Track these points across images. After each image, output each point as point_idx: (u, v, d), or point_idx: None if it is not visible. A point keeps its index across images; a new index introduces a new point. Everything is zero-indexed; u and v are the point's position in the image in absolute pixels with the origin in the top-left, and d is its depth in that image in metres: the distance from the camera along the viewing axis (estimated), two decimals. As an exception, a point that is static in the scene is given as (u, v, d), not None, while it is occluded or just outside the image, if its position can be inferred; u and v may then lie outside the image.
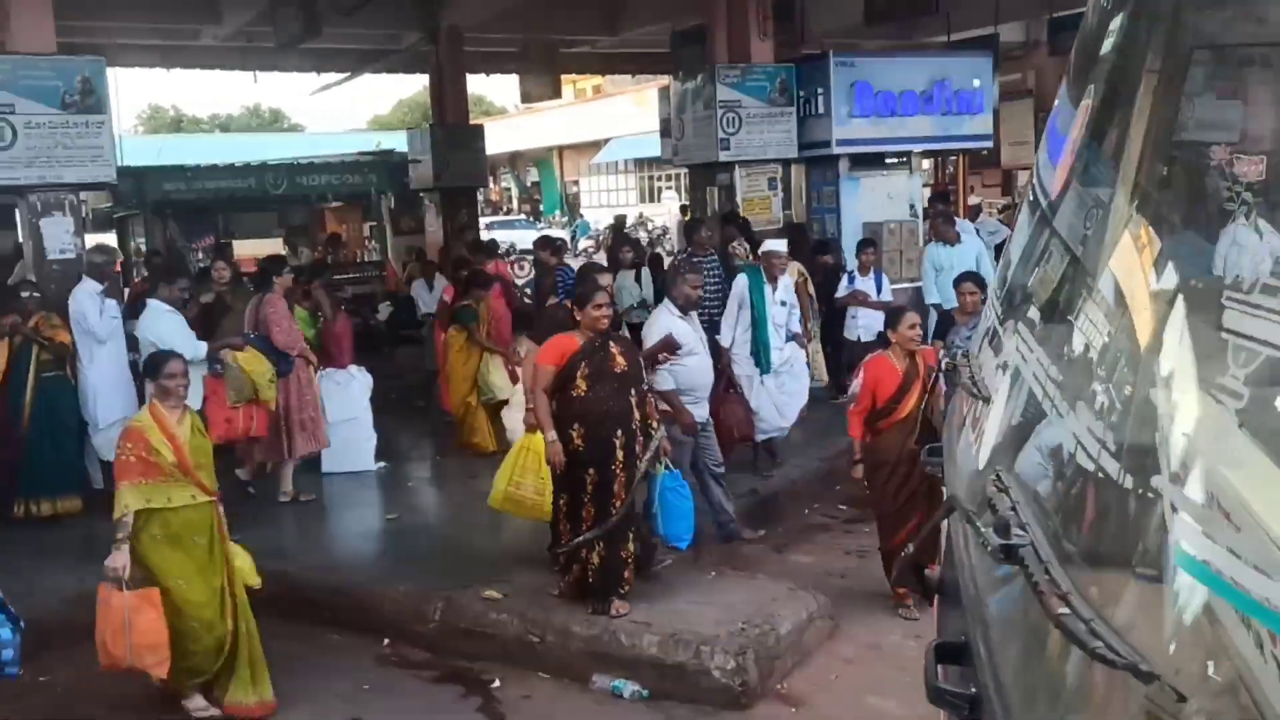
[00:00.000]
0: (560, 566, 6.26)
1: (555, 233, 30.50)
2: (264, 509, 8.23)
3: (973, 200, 19.57)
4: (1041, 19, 17.61)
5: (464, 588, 6.51)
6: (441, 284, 12.70)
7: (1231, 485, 1.07)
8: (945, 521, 2.45)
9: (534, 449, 6.51)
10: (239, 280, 10.70)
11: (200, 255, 16.20)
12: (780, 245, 8.96)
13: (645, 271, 11.62)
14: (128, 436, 5.28)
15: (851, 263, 11.36)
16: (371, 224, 18.92)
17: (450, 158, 17.54)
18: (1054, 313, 1.89)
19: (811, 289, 9.53)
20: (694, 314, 7.36)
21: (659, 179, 41.75)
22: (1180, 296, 1.32)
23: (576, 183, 48.59)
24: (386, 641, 6.44)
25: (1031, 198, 2.17)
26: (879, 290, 10.80)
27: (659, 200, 40.25)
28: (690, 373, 7.11)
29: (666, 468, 6.24)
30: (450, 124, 17.94)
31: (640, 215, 37.91)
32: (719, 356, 7.98)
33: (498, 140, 32.25)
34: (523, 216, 43.97)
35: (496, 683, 5.90)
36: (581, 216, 42.08)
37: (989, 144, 14.37)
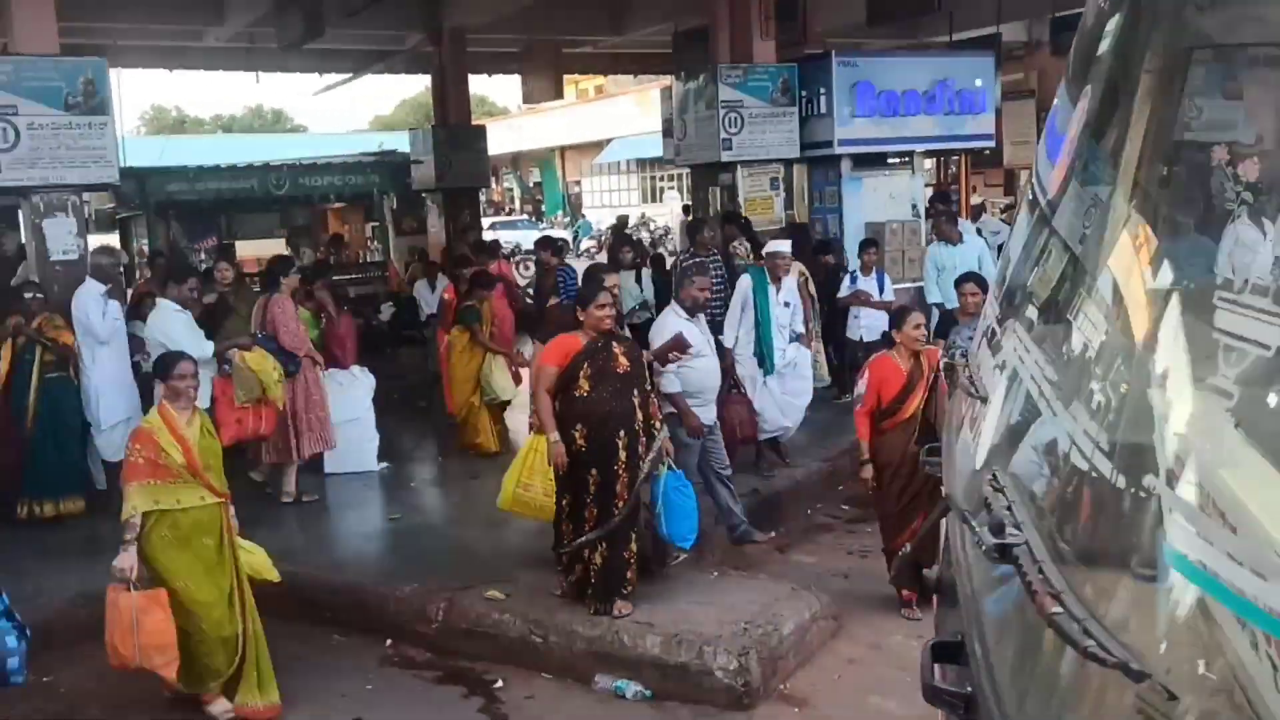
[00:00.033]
0: (563, 567, 6.27)
1: (557, 233, 30.54)
2: (267, 510, 8.23)
3: (975, 200, 19.56)
4: (1044, 18, 17.64)
5: (467, 588, 6.51)
6: (444, 284, 12.71)
7: (1226, 486, 1.07)
8: (944, 521, 2.46)
9: (542, 450, 6.49)
10: (242, 281, 10.71)
11: (203, 256, 16.20)
12: (784, 246, 8.95)
13: (645, 272, 11.61)
14: (136, 438, 5.28)
15: (854, 263, 11.36)
16: (374, 224, 18.91)
17: (452, 158, 17.54)
18: (1050, 312, 1.90)
19: (812, 289, 9.52)
20: (701, 316, 7.35)
21: (661, 179, 41.75)
22: (1174, 297, 1.32)
23: (579, 183, 48.58)
24: (389, 642, 6.44)
25: (1030, 196, 2.18)
26: (881, 290, 10.80)
27: (661, 200, 40.25)
28: (698, 375, 7.09)
29: (669, 468, 6.23)
30: (452, 124, 17.95)
31: (642, 215, 37.90)
32: (722, 357, 7.97)
33: (500, 141, 32.29)
34: (525, 217, 43.94)
35: (499, 683, 5.91)
36: (584, 217, 42.08)
37: (991, 144, 14.37)
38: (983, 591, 1.84)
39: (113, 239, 16.83)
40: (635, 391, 6.05)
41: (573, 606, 6.12)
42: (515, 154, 47.14)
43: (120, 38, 16.55)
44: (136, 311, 9.83)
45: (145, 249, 16.08)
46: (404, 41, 18.74)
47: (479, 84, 28.32)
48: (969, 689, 1.86)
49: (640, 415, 6.04)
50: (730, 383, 8.15)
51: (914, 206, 13.06)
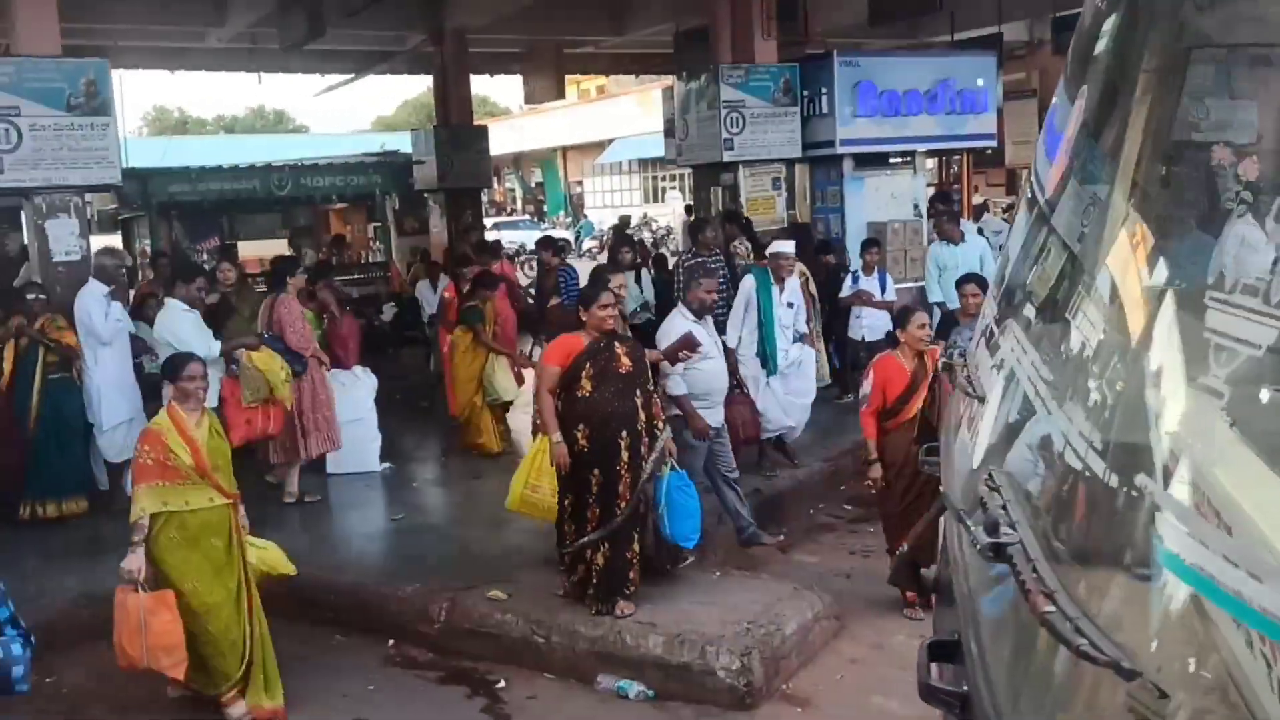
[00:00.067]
0: (565, 567, 6.27)
1: (559, 233, 30.53)
2: (269, 510, 8.23)
3: (977, 200, 19.55)
4: (1045, 18, 17.63)
5: (469, 588, 6.51)
6: (445, 284, 12.71)
7: (1221, 486, 1.08)
8: (943, 521, 2.46)
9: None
10: (244, 281, 10.71)
11: (205, 256, 16.21)
12: (788, 246, 8.95)
13: (645, 273, 11.60)
14: (145, 439, 5.28)
15: (855, 262, 11.36)
16: (376, 225, 18.92)
17: (454, 158, 17.56)
18: (1047, 311, 1.90)
19: (813, 288, 9.52)
20: (709, 318, 7.34)
21: (663, 179, 41.76)
22: (1167, 296, 1.33)
23: (580, 183, 48.59)
24: (392, 642, 6.44)
25: (1029, 195, 2.18)
26: (883, 290, 10.81)
27: (663, 201, 40.27)
28: (705, 377, 7.07)
29: (672, 468, 6.23)
30: (454, 125, 17.96)
31: (644, 216, 37.90)
32: (725, 357, 7.97)
33: (502, 141, 32.30)
34: (527, 217, 43.97)
35: (502, 683, 5.90)
36: (586, 217, 42.10)
37: (993, 143, 14.36)
38: (979, 590, 1.84)
39: (115, 240, 16.84)
40: (638, 391, 6.04)
41: (575, 607, 6.12)
42: (517, 154, 47.15)
43: (122, 38, 16.57)
44: (139, 312, 9.85)
45: (147, 250, 16.08)
46: (405, 42, 18.75)
47: (481, 84, 28.38)
48: (964, 688, 1.87)
49: (643, 415, 6.03)
50: (733, 383, 8.14)
51: (916, 206, 13.06)
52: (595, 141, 43.16)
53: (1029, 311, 2.00)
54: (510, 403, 10.20)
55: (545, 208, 48.67)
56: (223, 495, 5.33)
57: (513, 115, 51.04)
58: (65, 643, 6.33)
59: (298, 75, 21.23)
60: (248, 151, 28.13)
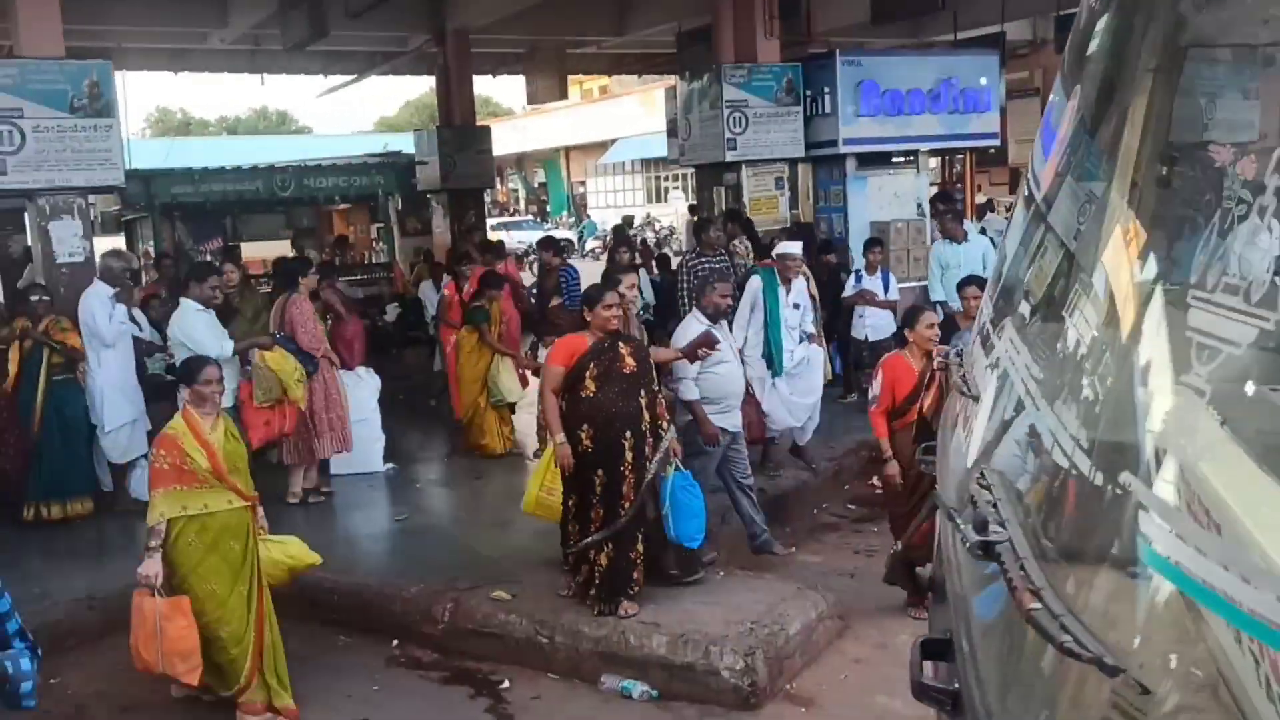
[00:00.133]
0: (570, 567, 6.27)
1: (561, 233, 30.51)
2: (273, 510, 8.22)
3: (980, 199, 19.55)
4: (1049, 17, 17.59)
5: (473, 588, 6.52)
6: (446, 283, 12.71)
7: (1209, 484, 1.08)
8: (938, 519, 2.47)
9: None
10: (247, 282, 10.72)
11: (208, 257, 16.20)
12: (795, 248, 8.95)
13: (643, 274, 11.60)
14: (161, 444, 5.27)
15: (859, 262, 11.35)
16: (379, 226, 18.91)
17: (457, 159, 17.57)
18: (1038, 309, 1.92)
19: (813, 288, 9.52)
20: (724, 322, 7.32)
21: (666, 179, 41.77)
22: (1156, 295, 1.33)
23: (583, 183, 48.62)
24: (395, 642, 6.45)
25: (1026, 192, 2.19)
26: (886, 289, 10.81)
27: (666, 200, 40.27)
28: (721, 380, 7.04)
29: (677, 468, 6.22)
30: (457, 125, 17.97)
31: (648, 216, 37.94)
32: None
33: (504, 141, 32.32)
34: (530, 217, 44.00)
35: (506, 683, 5.91)
36: (588, 217, 42.13)
37: (996, 142, 14.35)
38: (970, 589, 1.85)
39: (118, 241, 16.87)
40: (642, 392, 6.04)
41: (579, 607, 6.11)
42: (520, 154, 47.19)
43: (125, 40, 16.59)
44: (143, 313, 9.85)
45: (151, 251, 16.09)
46: (408, 42, 18.75)
47: (483, 85, 28.38)
48: (956, 685, 1.87)
49: (647, 416, 6.03)
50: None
51: (919, 205, 13.05)
52: (598, 141, 43.19)
53: (1023, 310, 2.02)
54: (514, 404, 10.20)
55: (548, 208, 48.70)
56: (241, 498, 5.33)
57: (515, 115, 51.08)
58: (70, 644, 6.35)
59: (300, 76, 21.24)
60: (251, 152, 28.11)
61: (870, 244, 11.16)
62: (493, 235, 21.19)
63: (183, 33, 17.17)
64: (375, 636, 6.51)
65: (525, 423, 10.33)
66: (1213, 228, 1.21)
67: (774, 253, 9.22)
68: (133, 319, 9.40)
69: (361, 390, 9.46)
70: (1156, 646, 1.13)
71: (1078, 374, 1.53)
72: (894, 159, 13.09)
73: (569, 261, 11.78)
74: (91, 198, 9.85)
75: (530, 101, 22.12)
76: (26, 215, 9.70)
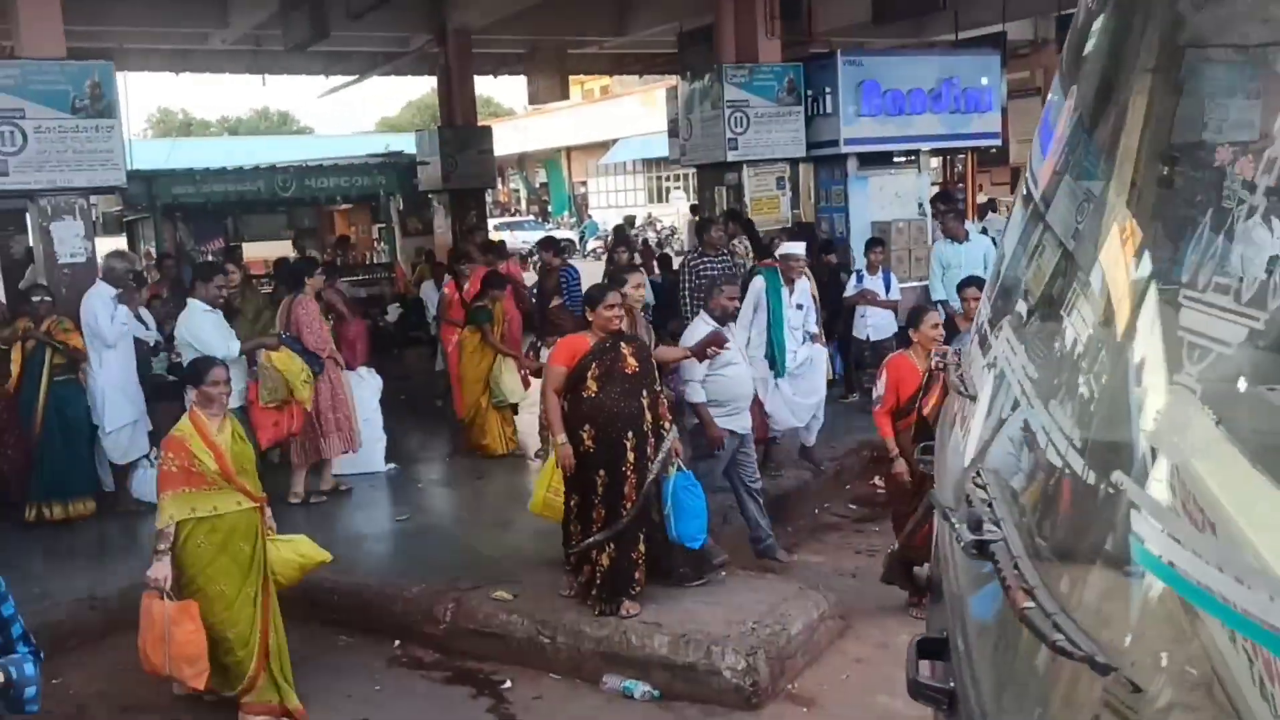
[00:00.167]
0: (571, 567, 6.27)
1: (562, 233, 30.49)
2: (275, 510, 8.19)
3: (982, 198, 19.55)
4: (1050, 16, 17.60)
5: (475, 588, 6.52)
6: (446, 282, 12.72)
7: (1204, 484, 1.08)
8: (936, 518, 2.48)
9: None
10: (248, 283, 10.73)
11: (209, 258, 16.22)
12: (799, 248, 8.94)
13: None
14: (169, 446, 5.26)
15: (860, 262, 11.35)
16: (380, 226, 18.93)
17: (458, 159, 17.60)
18: (1034, 308, 1.92)
19: (814, 289, 9.51)
20: (732, 324, 7.30)
21: (667, 179, 41.77)
22: (1150, 295, 1.33)
23: (584, 183, 48.63)
24: (397, 642, 6.45)
25: (1025, 191, 2.19)
26: (888, 289, 10.81)
27: (667, 200, 40.27)
28: (729, 383, 7.00)
29: (679, 469, 6.22)
30: (458, 125, 17.99)
31: (649, 216, 37.95)
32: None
33: (506, 141, 32.32)
34: (531, 218, 44.02)
35: (507, 683, 5.90)
36: (590, 217, 42.14)
37: (997, 142, 14.34)
38: (966, 588, 1.85)
39: (120, 242, 16.88)
40: (644, 392, 6.03)
41: (580, 607, 6.11)
42: (521, 154, 47.19)
43: (126, 41, 16.62)
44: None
45: (152, 252, 16.10)
46: (409, 43, 18.77)
47: (484, 85, 28.39)
48: (952, 684, 1.88)
49: (649, 416, 6.02)
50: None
51: (920, 205, 13.05)
52: (599, 141, 43.21)
53: (1020, 309, 2.02)
54: (516, 405, 10.20)
55: (549, 208, 48.71)
56: (249, 499, 5.33)
57: (517, 115, 51.11)
58: (72, 644, 6.35)
59: (302, 77, 21.27)
60: (252, 153, 28.13)
61: (871, 244, 11.15)
62: (495, 235, 21.21)
63: (184, 33, 17.20)
64: (376, 636, 6.51)
65: (527, 423, 10.34)
66: (1205, 227, 1.22)
67: (777, 253, 9.22)
68: (139, 318, 9.42)
69: (363, 390, 9.45)
70: (1148, 645, 1.14)
71: (1072, 373, 1.54)
72: (895, 159, 13.09)
73: (569, 262, 11.78)
74: (93, 198, 9.85)
75: (531, 101, 22.16)
76: (28, 216, 9.71)
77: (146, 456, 8.60)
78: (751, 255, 11.15)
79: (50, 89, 8.68)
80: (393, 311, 15.55)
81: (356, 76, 21.29)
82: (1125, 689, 1.11)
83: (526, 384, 10.07)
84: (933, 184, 15.67)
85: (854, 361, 11.22)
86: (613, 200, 45.59)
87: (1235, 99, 1.28)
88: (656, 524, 6.16)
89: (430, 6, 17.25)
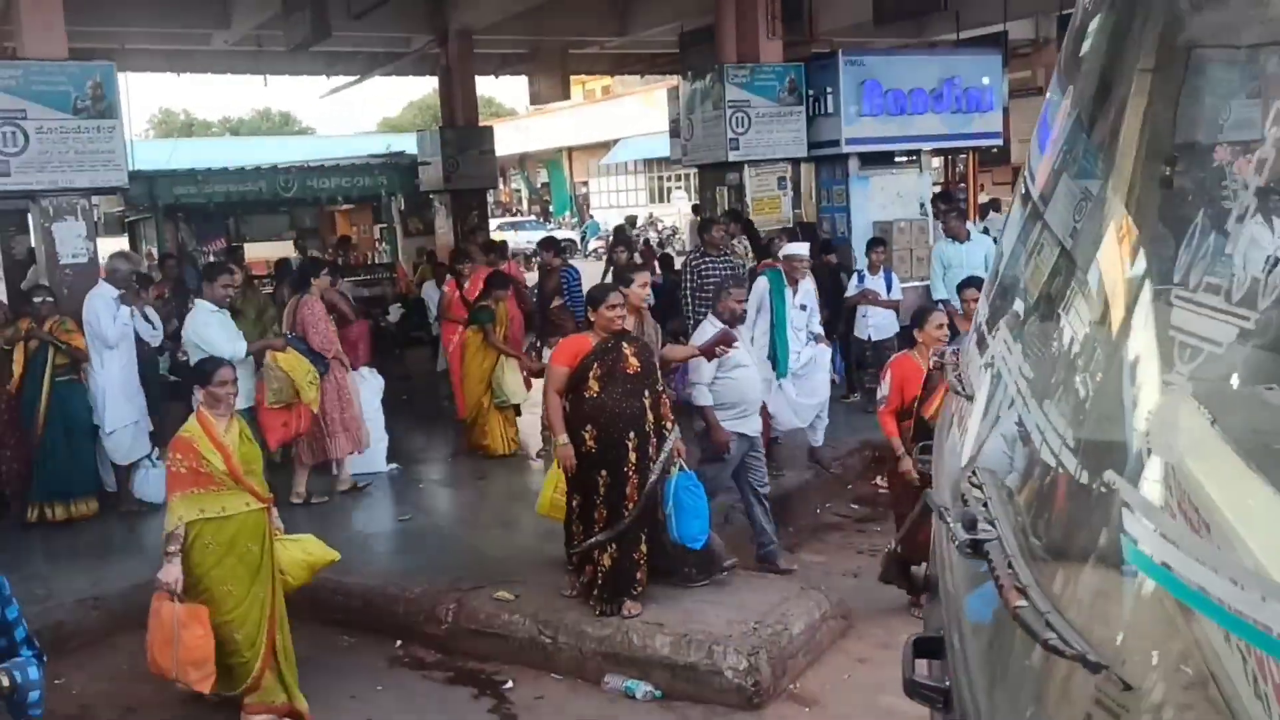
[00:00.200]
0: (573, 567, 6.27)
1: (564, 233, 30.46)
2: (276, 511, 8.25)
3: (984, 198, 19.55)
4: (1051, 16, 17.58)
5: (476, 589, 6.52)
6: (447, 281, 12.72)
7: (1196, 485, 1.08)
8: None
9: None
10: (250, 283, 10.73)
11: (211, 258, 16.24)
12: (803, 249, 8.93)
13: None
14: (176, 448, 5.25)
15: (862, 262, 11.35)
16: (382, 226, 18.94)
17: (460, 159, 17.60)
18: (1030, 308, 1.93)
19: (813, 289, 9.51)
20: (741, 327, 7.28)
21: (668, 179, 41.78)
22: (1144, 294, 1.34)
23: (586, 183, 48.64)
24: (399, 643, 6.45)
25: (1023, 190, 2.19)
26: (889, 289, 10.81)
27: (669, 201, 40.28)
28: (738, 386, 6.96)
29: (681, 469, 6.21)
30: (460, 126, 18.00)
31: (650, 216, 37.96)
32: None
33: (507, 141, 32.32)
34: (533, 218, 44.03)
35: (509, 684, 5.91)
36: (591, 217, 42.14)
37: (999, 142, 14.34)
38: (961, 587, 1.86)
39: (121, 242, 16.89)
40: (646, 392, 6.03)
41: (582, 607, 6.12)
42: (522, 155, 47.19)
43: (128, 41, 16.63)
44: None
45: (154, 252, 16.11)
46: (411, 43, 18.77)
47: (486, 85, 28.39)
48: (948, 683, 1.88)
49: (651, 416, 6.02)
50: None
51: (922, 205, 13.05)
52: (601, 142, 43.22)
53: (1017, 308, 2.03)
54: (518, 406, 10.19)
55: (551, 208, 48.71)
56: (257, 499, 5.34)
57: (518, 116, 51.11)
58: (74, 644, 6.36)
59: (303, 77, 21.28)
60: (253, 153, 28.15)
61: (873, 244, 11.16)
62: (498, 236, 21.22)
63: (186, 34, 17.20)
64: (378, 637, 6.52)
65: (529, 423, 10.34)
66: (1201, 227, 1.22)
67: (781, 253, 9.22)
68: (145, 318, 9.44)
69: (365, 391, 9.45)
70: (1140, 643, 1.14)
71: (1067, 372, 1.54)
72: (897, 159, 13.08)
73: (570, 262, 11.79)
74: (95, 199, 9.85)
75: (533, 102, 22.18)
76: (30, 216, 9.72)
77: (148, 457, 8.61)
78: (751, 255, 11.15)
79: (52, 89, 8.69)
80: (394, 312, 15.55)
81: (358, 77, 21.30)
82: (1116, 687, 1.12)
83: (528, 385, 10.07)
84: (934, 184, 15.67)
85: (855, 361, 11.22)
86: (614, 200, 45.59)
87: (1233, 99, 1.28)
88: (662, 524, 6.15)
89: (432, 7, 17.26)
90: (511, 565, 6.94)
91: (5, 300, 10.11)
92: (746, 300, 7.62)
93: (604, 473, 5.94)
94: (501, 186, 46.69)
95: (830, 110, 12.53)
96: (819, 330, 8.87)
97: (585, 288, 9.05)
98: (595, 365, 5.96)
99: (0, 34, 12.71)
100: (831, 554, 7.76)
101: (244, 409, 6.97)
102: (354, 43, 17.87)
